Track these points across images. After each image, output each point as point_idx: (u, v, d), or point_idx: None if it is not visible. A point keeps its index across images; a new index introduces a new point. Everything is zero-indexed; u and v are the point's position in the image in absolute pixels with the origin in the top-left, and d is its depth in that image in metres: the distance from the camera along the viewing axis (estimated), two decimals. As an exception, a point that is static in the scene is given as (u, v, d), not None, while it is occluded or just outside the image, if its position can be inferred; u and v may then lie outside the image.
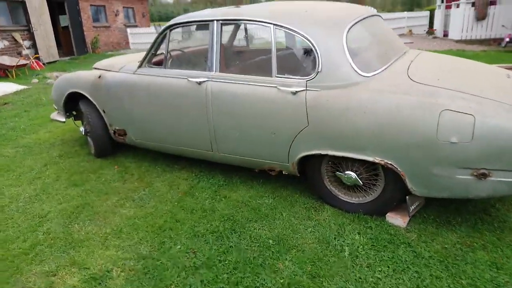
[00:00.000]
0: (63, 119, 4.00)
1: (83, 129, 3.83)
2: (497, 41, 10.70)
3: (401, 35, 16.67)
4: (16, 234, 2.58)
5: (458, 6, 11.42)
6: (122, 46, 18.34)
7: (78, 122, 4.29)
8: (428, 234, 2.33)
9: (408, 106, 2.12)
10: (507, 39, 10.02)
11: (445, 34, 13.03)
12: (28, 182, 3.40)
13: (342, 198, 2.59)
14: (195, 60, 3.18)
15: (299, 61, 2.52)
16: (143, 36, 18.25)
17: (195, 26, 2.93)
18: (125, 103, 3.29)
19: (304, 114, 2.39)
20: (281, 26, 2.47)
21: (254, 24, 2.62)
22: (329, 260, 2.14)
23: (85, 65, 12.18)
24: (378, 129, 2.18)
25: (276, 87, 2.49)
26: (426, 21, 19.44)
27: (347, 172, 2.45)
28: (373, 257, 2.14)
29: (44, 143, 4.39)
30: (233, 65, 2.78)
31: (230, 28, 2.73)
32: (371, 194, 2.48)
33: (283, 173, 2.73)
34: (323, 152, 2.41)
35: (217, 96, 2.72)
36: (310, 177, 2.65)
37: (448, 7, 12.88)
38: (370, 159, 2.26)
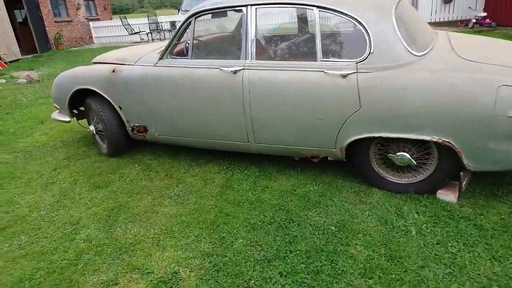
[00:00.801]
0: (68, 119, 3.72)
1: (93, 128, 3.59)
2: (464, 22, 11.21)
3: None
4: (52, 245, 2.38)
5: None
6: (85, 41, 17.41)
7: (82, 122, 4.03)
8: (480, 207, 2.40)
9: (465, 83, 2.14)
10: (474, 20, 10.53)
11: (414, 18, 13.43)
12: (41, 188, 3.14)
13: (390, 180, 2.60)
14: (225, 48, 3.05)
15: (346, 43, 2.48)
16: (106, 29, 17.45)
17: (223, 12, 2.80)
18: (146, 98, 3.10)
19: (356, 97, 2.36)
20: (326, 9, 2.41)
21: (293, 7, 2.54)
22: (399, 241, 2.14)
23: (52, 62, 11.47)
24: (436, 107, 2.19)
25: (322, 71, 2.43)
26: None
27: (399, 153, 2.46)
28: (440, 234, 2.17)
29: (43, 146, 4.07)
30: (270, 52, 2.69)
31: (263, 12, 2.62)
32: (422, 173, 2.51)
33: (329, 159, 2.70)
34: (376, 135, 2.40)
35: (255, 85, 2.63)
36: (357, 161, 2.64)
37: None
38: (428, 138, 2.28)
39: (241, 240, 2.24)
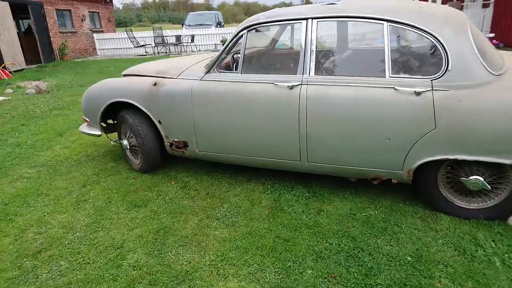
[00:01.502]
0: (98, 132, 3.53)
1: (126, 142, 3.39)
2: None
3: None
4: (97, 272, 2.16)
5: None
6: (89, 52, 17.30)
7: (111, 135, 3.83)
8: (559, 236, 2.25)
9: (552, 105, 2.02)
10: (483, 42, 10.62)
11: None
12: (73, 206, 2.92)
13: (459, 205, 2.44)
14: (279, 63, 2.91)
15: (419, 59, 2.35)
16: (110, 41, 17.39)
17: (279, 25, 2.67)
18: (190, 113, 2.93)
19: (431, 116, 2.22)
20: (399, 23, 2.29)
21: (360, 21, 2.42)
22: (484, 273, 1.97)
23: (59, 73, 11.29)
24: (521, 130, 2.06)
25: (393, 87, 2.30)
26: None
27: (473, 177, 2.31)
28: (527, 266, 2.00)
29: (67, 161, 3.86)
30: (330, 66, 2.56)
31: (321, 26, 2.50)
32: (494, 198, 2.36)
33: (393, 181, 2.54)
34: (451, 157, 2.25)
35: (314, 101, 2.48)
36: (423, 184, 2.48)
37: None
38: (508, 162, 2.14)
39: (311, 271, 2.05)
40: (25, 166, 3.77)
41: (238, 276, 2.05)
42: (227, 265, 2.15)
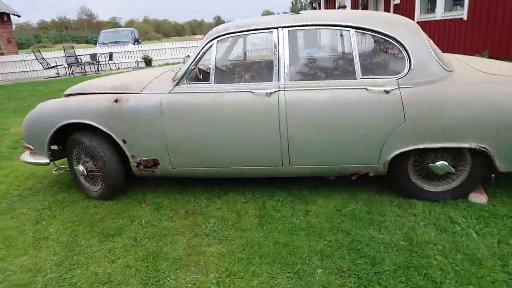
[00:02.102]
0: (46, 160, 3.13)
1: (82, 168, 3.07)
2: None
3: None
4: (89, 312, 1.91)
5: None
6: (-13, 77, 15.22)
7: (57, 163, 3.43)
8: (508, 204, 2.62)
9: (498, 93, 2.38)
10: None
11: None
12: (32, 246, 2.55)
13: (428, 189, 2.71)
14: (253, 71, 2.91)
15: (384, 61, 2.58)
16: (13, 64, 15.55)
17: (248, 35, 2.71)
18: (160, 128, 2.78)
19: (401, 111, 2.45)
20: (364, 29, 2.49)
21: (327, 28, 2.58)
22: (467, 245, 2.20)
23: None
24: (476, 117, 2.39)
25: (365, 88, 2.49)
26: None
27: (439, 162, 2.59)
28: (496, 233, 2.29)
29: (6, 197, 3.34)
30: (305, 72, 2.66)
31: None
32: (456, 180, 2.67)
33: (370, 175, 2.71)
34: (420, 146, 2.50)
35: (293, 106, 2.56)
36: (395, 174, 2.70)
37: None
38: (467, 145, 2.45)
39: (320, 270, 2.08)
40: (-50, 210, 3.17)
41: (251, 288, 1.99)
42: (235, 279, 2.07)
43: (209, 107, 2.70)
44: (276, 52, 2.61)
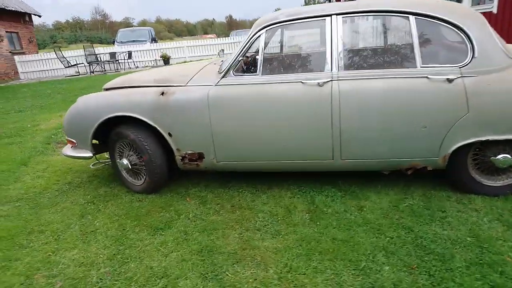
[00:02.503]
0: (89, 154, 3.11)
1: (126, 162, 3.04)
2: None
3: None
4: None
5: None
6: (10, 76, 15.54)
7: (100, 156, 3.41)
8: None
9: None
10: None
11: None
12: (81, 240, 2.52)
13: (487, 184, 2.58)
14: (303, 61, 2.84)
15: (445, 49, 2.46)
16: (35, 63, 15.84)
17: (300, 23, 2.62)
18: (207, 121, 2.72)
19: (464, 101, 2.33)
20: (424, 15, 2.38)
21: (385, 15, 2.47)
22: (540, 243, 2.08)
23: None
24: (544, 106, 2.25)
25: (426, 77, 2.37)
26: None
27: (500, 155, 2.46)
28: None
29: (47, 191, 3.34)
30: (359, 61, 2.57)
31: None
32: (517, 174, 2.54)
33: (428, 169, 2.59)
34: (483, 139, 2.37)
35: (348, 96, 2.46)
36: (453, 168, 2.58)
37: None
38: (535, 137, 2.31)
39: (388, 267, 1.98)
40: (-5, 203, 3.18)
41: (317, 285, 1.90)
42: (297, 275, 1.99)
43: (257, 99, 2.62)
44: (329, 41, 2.51)
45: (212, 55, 17.77)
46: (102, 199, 3.08)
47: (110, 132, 3.04)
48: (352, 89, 2.46)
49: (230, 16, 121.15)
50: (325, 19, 2.53)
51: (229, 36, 20.07)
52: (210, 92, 2.70)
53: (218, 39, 18.73)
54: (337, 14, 2.51)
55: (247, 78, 2.68)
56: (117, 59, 15.30)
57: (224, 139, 2.75)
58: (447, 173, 2.64)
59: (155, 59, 16.35)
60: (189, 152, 2.88)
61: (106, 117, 2.91)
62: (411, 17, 2.40)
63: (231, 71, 2.71)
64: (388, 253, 2.10)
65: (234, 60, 2.69)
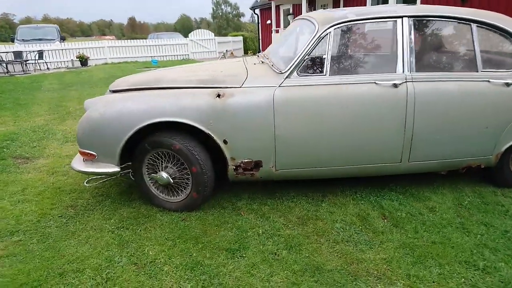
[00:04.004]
0: (116, 169, 2.55)
1: (165, 175, 2.57)
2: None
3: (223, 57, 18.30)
4: None
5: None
6: None
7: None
8: None
9: None
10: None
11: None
12: (146, 276, 2.04)
13: (523, 179, 2.85)
14: (369, 61, 2.73)
15: (502, 55, 2.63)
16: None
17: (369, 23, 2.56)
18: (270, 125, 2.46)
19: (519, 103, 2.54)
20: (484, 24, 2.53)
21: (450, 21, 2.56)
22: None
23: None
24: None
25: (487, 80, 2.52)
26: (241, 45, 21.93)
27: (539, 151, 2.74)
28: None
29: (46, 219, 2.64)
30: (427, 63, 2.59)
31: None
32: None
33: (481, 167, 2.74)
34: (532, 137, 2.62)
35: (422, 97, 2.48)
36: (499, 165, 2.78)
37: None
38: None
39: (501, 263, 2.03)
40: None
41: (456, 292, 1.85)
42: (429, 284, 1.90)
43: (327, 101, 2.47)
44: (401, 42, 2.51)
45: (139, 56, 16.61)
46: (134, 222, 2.55)
47: (138, 142, 2.55)
48: (427, 90, 2.49)
49: (133, 18, 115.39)
50: (396, 20, 2.52)
51: (146, 39, 18.93)
52: (275, 94, 2.45)
53: (148, 40, 17.51)
54: (408, 17, 2.51)
55: (314, 78, 2.50)
56: (25, 59, 13.19)
57: (288, 144, 2.52)
58: (493, 170, 2.83)
59: (72, 60, 14.59)
60: (245, 160, 2.56)
61: (145, 123, 2.43)
62: (473, 25, 2.54)
63: (296, 71, 2.51)
64: (491, 249, 2.15)
65: (300, 60, 2.50)
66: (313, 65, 2.56)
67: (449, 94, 2.50)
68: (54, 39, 16.13)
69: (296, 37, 3.03)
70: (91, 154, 2.55)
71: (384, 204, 2.70)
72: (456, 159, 2.68)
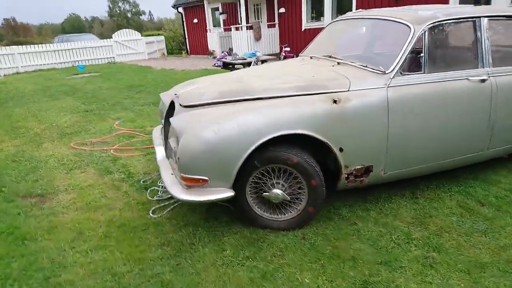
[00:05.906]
0: (230, 193, 2.24)
1: (280, 192, 2.36)
2: (277, 55, 13.51)
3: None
4: None
5: (237, 29, 13.49)
6: None
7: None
8: None
9: None
10: (284, 54, 12.93)
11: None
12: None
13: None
14: (456, 59, 2.82)
15: None
16: None
17: (456, 23, 2.70)
18: (383, 128, 2.45)
19: None
20: (539, 20, 2.86)
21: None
22: None
23: None
24: None
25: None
26: (163, 45, 21.00)
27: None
28: None
29: (136, 266, 2.21)
30: (501, 59, 2.79)
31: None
32: None
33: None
34: None
35: (502, 90, 2.73)
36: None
37: (226, 30, 14.87)
38: None
39: None
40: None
41: None
42: None
43: (428, 97, 2.56)
44: (480, 40, 2.70)
45: (58, 63, 14.73)
46: (253, 250, 2.28)
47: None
48: (506, 83, 2.74)
49: (13, 19, 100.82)
50: (475, 20, 2.70)
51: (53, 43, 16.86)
52: (389, 94, 2.44)
53: (62, 44, 15.55)
54: (485, 17, 2.71)
55: (415, 77, 2.55)
56: None
57: (399, 146, 2.53)
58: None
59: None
60: (357, 167, 2.49)
61: (268, 137, 2.20)
62: (532, 22, 2.86)
63: (399, 70, 2.52)
64: None
65: (403, 60, 2.51)
66: (411, 64, 2.60)
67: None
68: None
69: (370, 37, 3.04)
70: (203, 180, 2.20)
71: (472, 192, 2.87)
72: (520, 144, 2.99)
